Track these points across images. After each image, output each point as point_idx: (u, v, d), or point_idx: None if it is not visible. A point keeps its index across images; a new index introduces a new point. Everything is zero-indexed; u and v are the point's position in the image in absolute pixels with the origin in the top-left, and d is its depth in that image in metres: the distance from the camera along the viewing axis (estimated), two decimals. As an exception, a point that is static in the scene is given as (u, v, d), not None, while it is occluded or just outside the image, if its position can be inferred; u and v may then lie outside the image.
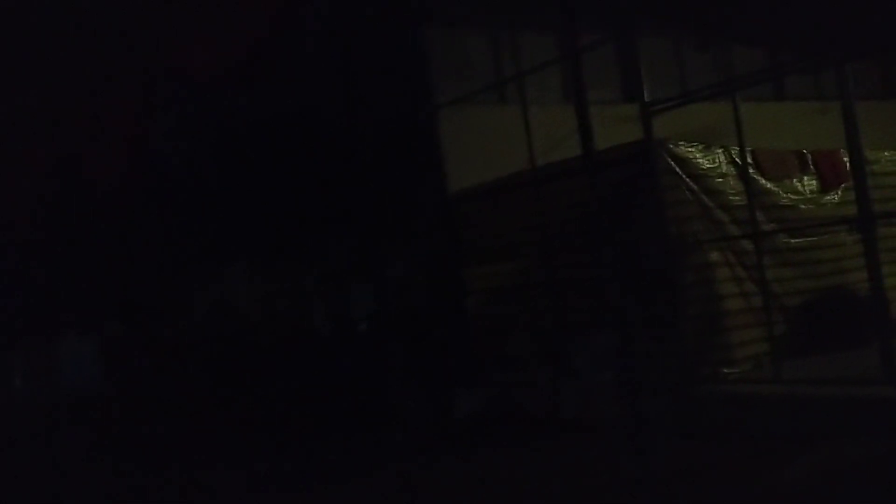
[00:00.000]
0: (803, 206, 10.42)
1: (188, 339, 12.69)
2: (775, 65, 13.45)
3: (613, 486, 7.46)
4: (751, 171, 9.89)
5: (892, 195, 10.40)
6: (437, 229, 11.95)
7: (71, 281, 12.43)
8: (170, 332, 12.72)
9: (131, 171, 11.96)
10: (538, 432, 9.62)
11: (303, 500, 8.34)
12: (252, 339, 12.72)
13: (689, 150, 9.90)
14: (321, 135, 11.92)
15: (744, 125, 9.34)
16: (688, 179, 9.76)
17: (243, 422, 11.33)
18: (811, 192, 10.57)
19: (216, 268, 12.99)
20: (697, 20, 12.24)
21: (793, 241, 10.14)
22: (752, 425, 8.37)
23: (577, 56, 10.10)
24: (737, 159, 9.98)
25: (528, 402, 10.48)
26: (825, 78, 12.41)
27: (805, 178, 10.57)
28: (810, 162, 10.64)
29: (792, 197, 10.40)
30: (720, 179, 9.98)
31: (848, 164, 9.16)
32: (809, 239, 10.22)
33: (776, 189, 10.27)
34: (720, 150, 10.08)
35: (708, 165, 9.96)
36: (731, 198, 9.93)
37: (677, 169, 9.74)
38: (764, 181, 10.18)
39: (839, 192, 10.59)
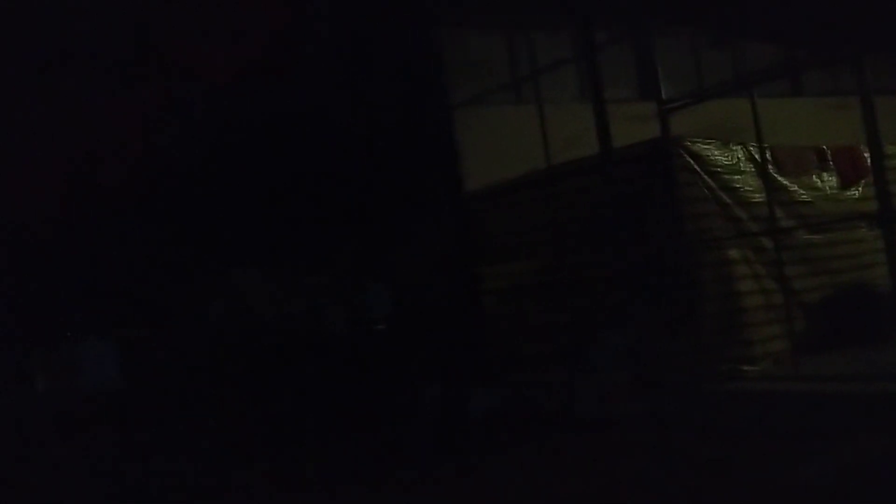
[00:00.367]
0: (822, 203, 10.34)
1: (205, 340, 12.69)
2: (792, 60, 13.36)
3: (630, 484, 7.39)
4: (769, 167, 9.83)
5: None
6: (452, 228, 11.91)
7: (89, 282, 12.44)
8: (187, 333, 12.71)
9: (148, 172, 11.96)
10: (555, 431, 9.54)
11: (321, 501, 8.30)
12: (267, 339, 12.70)
13: (707, 146, 9.84)
14: (335, 135, 11.91)
15: (761, 121, 9.29)
16: (705, 176, 9.70)
17: (259, 422, 11.32)
18: (830, 188, 10.50)
19: (231, 268, 12.98)
20: (713, 16, 12.17)
21: (812, 237, 10.06)
22: (771, 422, 8.29)
23: (593, 53, 10.06)
24: (755, 156, 9.94)
25: (544, 400, 10.41)
26: (843, 73, 12.31)
27: (824, 174, 10.50)
28: (829, 158, 10.57)
29: (811, 193, 10.33)
30: (738, 176, 9.91)
31: (867, 160, 9.09)
32: (829, 235, 10.15)
33: (795, 185, 10.20)
34: (738, 147, 10.02)
35: (725, 162, 9.90)
36: (749, 194, 9.87)
37: (694, 166, 9.67)
38: (782, 178, 10.12)
39: (859, 188, 10.52)
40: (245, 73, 11.44)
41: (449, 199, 11.85)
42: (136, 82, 11.42)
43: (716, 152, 9.87)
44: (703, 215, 9.63)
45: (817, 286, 10.01)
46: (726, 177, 9.84)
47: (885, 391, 7.97)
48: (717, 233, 9.67)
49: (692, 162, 9.65)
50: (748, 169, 9.94)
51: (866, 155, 9.31)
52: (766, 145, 9.67)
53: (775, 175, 10.00)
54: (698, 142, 9.79)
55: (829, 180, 10.53)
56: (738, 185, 9.86)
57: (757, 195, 9.83)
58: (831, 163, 10.57)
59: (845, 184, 10.55)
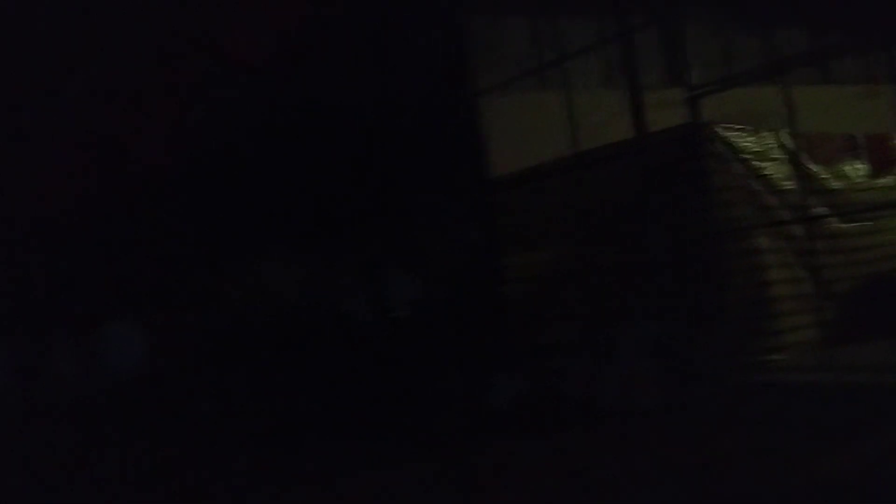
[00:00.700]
0: (853, 191, 10.19)
1: (229, 327, 12.69)
2: (824, 46, 13.20)
3: (655, 476, 7.29)
4: (800, 155, 9.71)
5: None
6: (476, 216, 11.83)
7: (112, 268, 12.46)
8: (211, 320, 12.72)
9: (173, 158, 11.95)
10: (578, 421, 9.45)
11: (344, 490, 8.25)
12: (290, 327, 12.69)
13: (737, 133, 9.72)
14: (359, 122, 11.83)
15: (793, 108, 9.15)
16: (735, 163, 9.59)
17: (281, 410, 11.30)
18: (861, 176, 10.35)
19: (254, 256, 12.96)
20: (743, 1, 12.02)
21: (843, 225, 9.92)
22: (800, 413, 8.16)
23: (620, 39, 9.95)
24: (785, 143, 9.82)
25: (568, 389, 10.32)
26: (876, 59, 12.14)
27: (855, 162, 10.35)
28: (861, 145, 10.42)
29: (842, 181, 10.19)
30: (768, 163, 9.79)
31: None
32: (860, 224, 10.00)
33: (825, 173, 10.06)
34: (768, 134, 9.89)
35: (756, 149, 9.77)
36: (779, 182, 9.74)
37: (724, 153, 9.57)
38: (813, 165, 9.98)
39: (890, 176, 10.38)
40: (268, 60, 11.39)
41: (473, 187, 11.76)
42: (163, 67, 11.38)
43: (746, 139, 9.75)
44: (732, 203, 9.54)
45: (848, 275, 9.87)
46: (756, 164, 9.72)
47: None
48: (746, 221, 9.56)
49: (722, 149, 9.55)
50: (778, 156, 9.82)
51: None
52: (796, 132, 9.54)
53: (806, 163, 9.87)
54: (728, 128, 9.67)
55: (861, 168, 10.38)
56: (768, 173, 9.74)
57: (787, 183, 9.72)
58: (863, 151, 10.42)
59: (877, 172, 10.41)
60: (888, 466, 6.78)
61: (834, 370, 8.61)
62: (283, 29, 11.21)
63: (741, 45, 12.61)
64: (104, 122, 11.73)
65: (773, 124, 9.78)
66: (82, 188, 11.81)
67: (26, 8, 10.69)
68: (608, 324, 10.35)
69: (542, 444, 8.78)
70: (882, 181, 10.38)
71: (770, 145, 9.86)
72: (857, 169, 10.36)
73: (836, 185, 10.13)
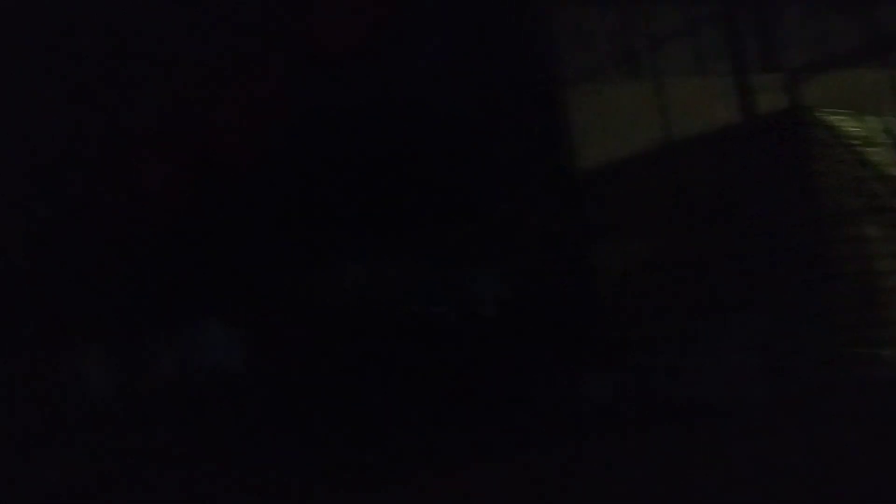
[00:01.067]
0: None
1: (319, 325, 12.78)
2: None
3: (755, 475, 7.02)
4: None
5: None
6: (565, 209, 11.65)
7: (209, 268, 12.63)
8: (302, 318, 12.82)
9: (262, 159, 12.03)
10: (675, 418, 9.20)
11: (434, 485, 8.15)
12: (379, 326, 12.72)
13: (840, 118, 9.40)
14: (445, 113, 11.75)
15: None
16: (838, 149, 9.28)
17: (371, 407, 11.33)
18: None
19: (343, 256, 13.02)
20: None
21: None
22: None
23: (733, 23, 9.74)
24: (891, 128, 9.48)
25: (664, 386, 10.13)
26: None
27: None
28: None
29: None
30: (874, 148, 9.43)
31: None
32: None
33: (935, 158, 9.68)
34: (872, 118, 9.55)
35: (860, 134, 9.43)
36: (885, 168, 9.39)
37: (827, 138, 9.27)
38: (922, 150, 9.62)
39: None
40: (352, 53, 11.38)
41: (562, 180, 11.58)
42: (245, 57, 11.44)
43: (850, 123, 9.41)
44: (836, 190, 9.21)
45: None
46: (861, 149, 9.38)
47: None
48: (851, 208, 9.23)
49: (825, 134, 9.25)
50: (885, 141, 9.47)
51: None
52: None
53: (914, 147, 9.51)
54: (830, 113, 9.37)
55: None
56: (873, 158, 9.39)
57: (894, 169, 9.36)
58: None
59: None
60: None
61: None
62: (367, 21, 11.19)
63: (841, 26, 12.25)
64: (192, 119, 11.85)
65: (877, 108, 9.48)
66: (173, 187, 11.95)
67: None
68: (704, 317, 10.10)
69: (637, 442, 8.61)
70: None
71: (876, 129, 9.53)
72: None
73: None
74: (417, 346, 12.24)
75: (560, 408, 10.31)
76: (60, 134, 11.72)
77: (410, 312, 13.00)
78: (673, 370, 10.14)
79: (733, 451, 7.73)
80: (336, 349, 12.48)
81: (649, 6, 11.84)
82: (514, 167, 11.77)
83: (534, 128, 11.73)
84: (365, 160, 12.16)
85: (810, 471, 6.81)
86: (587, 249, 11.67)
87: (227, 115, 11.71)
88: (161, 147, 11.76)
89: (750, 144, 9.48)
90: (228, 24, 11.13)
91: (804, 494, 6.43)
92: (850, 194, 9.26)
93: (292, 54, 11.68)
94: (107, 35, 10.81)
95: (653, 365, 10.49)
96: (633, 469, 7.68)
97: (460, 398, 10.88)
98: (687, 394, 9.70)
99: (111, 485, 9.23)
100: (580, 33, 11.91)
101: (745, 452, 7.60)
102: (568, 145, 11.60)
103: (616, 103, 11.36)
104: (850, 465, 6.81)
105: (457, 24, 11.91)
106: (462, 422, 10.30)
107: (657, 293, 10.94)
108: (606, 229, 11.53)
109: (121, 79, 11.21)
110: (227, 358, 12.81)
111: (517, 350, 11.32)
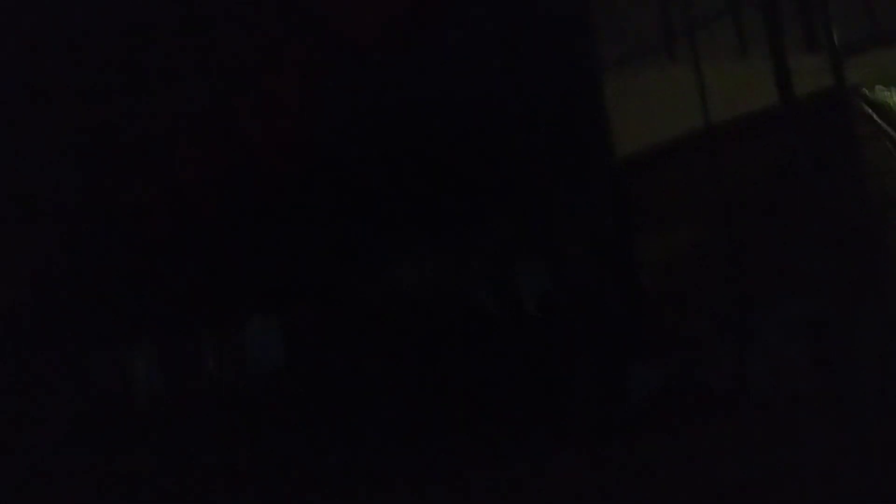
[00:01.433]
0: None
1: (365, 320, 12.77)
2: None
3: (809, 470, 6.89)
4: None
5: None
6: (605, 198, 11.45)
7: (255, 262, 12.66)
8: (348, 313, 12.81)
9: (304, 149, 12.00)
10: (724, 411, 9.05)
11: (481, 483, 8.23)
12: (424, 320, 12.67)
13: (891, 95, 9.10)
14: (480, 103, 11.60)
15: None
16: (889, 129, 8.99)
17: (418, 402, 11.30)
18: None
19: (384, 247, 12.96)
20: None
21: None
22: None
23: (774, 2, 9.50)
24: (947, 105, 9.16)
25: (711, 378, 9.80)
26: None
27: None
28: None
29: None
30: (926, 127, 9.13)
31: None
32: None
33: None
34: (924, 96, 9.23)
35: (911, 112, 9.14)
36: (941, 148, 9.08)
37: (876, 118, 8.99)
38: (979, 129, 9.28)
39: None
40: (383, 40, 11.27)
41: (601, 167, 11.37)
42: (289, 48, 11.37)
43: (898, 102, 9.12)
44: (886, 172, 8.93)
45: None
46: (913, 128, 9.09)
47: None
48: (903, 191, 8.96)
49: (873, 113, 8.97)
50: (937, 119, 9.15)
51: None
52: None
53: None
54: (880, 91, 9.08)
55: None
56: (926, 137, 9.08)
57: (948, 148, 9.05)
58: None
59: None
60: None
61: None
62: (398, 7, 11.07)
63: (887, 1, 11.93)
64: (237, 111, 11.84)
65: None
66: (210, 181, 11.97)
67: None
68: (751, 306, 9.86)
69: (685, 436, 8.51)
70: None
71: (927, 107, 9.22)
72: None
73: None
74: (459, 340, 12.18)
75: (605, 402, 10.10)
76: (102, 127, 11.79)
77: (452, 307, 12.93)
78: (720, 362, 9.88)
79: (786, 446, 7.60)
80: (380, 344, 12.46)
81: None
82: (553, 156, 11.60)
83: (574, 115, 11.55)
84: (404, 151, 12.07)
85: (858, 467, 6.64)
86: (630, 240, 11.51)
87: (270, 106, 11.67)
88: (208, 140, 11.75)
89: (795, 127, 9.23)
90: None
91: (853, 492, 6.27)
92: (901, 176, 9.01)
93: (328, 41, 11.64)
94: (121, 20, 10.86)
95: (699, 357, 10.27)
96: (680, 466, 7.57)
97: (501, 395, 10.79)
98: (734, 386, 9.45)
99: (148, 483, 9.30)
100: (618, 16, 11.74)
101: (799, 447, 7.47)
102: (608, 132, 11.44)
103: (656, 88, 11.17)
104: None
105: (491, 11, 11.75)
106: (505, 417, 10.07)
107: (702, 283, 10.78)
108: (651, 219, 11.37)
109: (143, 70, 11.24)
110: (274, 356, 12.88)
111: (561, 345, 11.18)
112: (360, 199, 12.35)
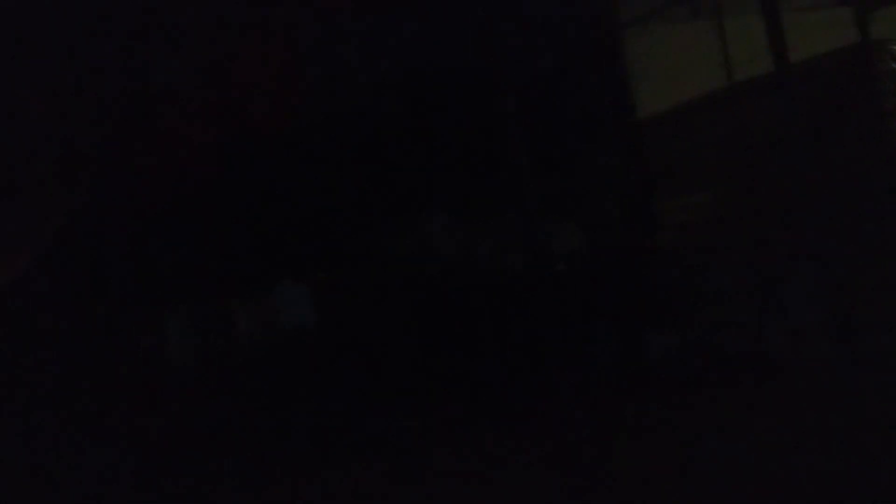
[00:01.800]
0: None
1: (392, 281, 12.78)
2: None
3: (827, 435, 6.70)
4: None
5: None
6: (624, 159, 11.28)
7: (283, 226, 12.68)
8: (377, 275, 12.82)
9: (334, 113, 11.93)
10: (741, 376, 8.86)
11: (498, 441, 8.09)
12: (452, 281, 12.65)
13: (915, 49, 8.81)
14: (498, 62, 11.42)
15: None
16: (914, 84, 8.71)
17: (444, 362, 11.29)
18: None
19: (414, 211, 12.94)
20: None
21: None
22: None
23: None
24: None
25: (729, 342, 9.71)
26: None
27: None
28: None
29: None
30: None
31: None
32: None
33: None
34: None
35: (939, 68, 8.82)
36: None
37: (901, 73, 8.69)
38: None
39: None
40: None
41: (620, 127, 11.18)
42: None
43: (927, 57, 8.81)
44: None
45: None
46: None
47: None
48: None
49: (898, 68, 8.68)
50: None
51: None
52: None
53: None
54: (905, 45, 8.78)
55: None
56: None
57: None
58: None
59: None
60: None
61: None
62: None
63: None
64: (269, 80, 11.77)
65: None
66: (241, 150, 11.95)
67: None
68: (772, 269, 9.67)
69: (702, 400, 8.30)
70: None
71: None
72: None
73: None
74: (481, 302, 12.14)
75: (623, 364, 10.04)
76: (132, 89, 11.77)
77: (473, 268, 12.89)
78: (739, 326, 9.73)
79: (803, 411, 7.41)
80: (410, 307, 12.47)
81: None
82: (572, 115, 11.43)
83: (592, 73, 11.36)
84: (432, 115, 11.96)
85: (885, 434, 6.45)
86: (649, 201, 11.33)
87: (296, 76, 11.57)
88: (234, 111, 11.68)
89: (818, 83, 8.97)
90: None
91: (870, 458, 6.10)
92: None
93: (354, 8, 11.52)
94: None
95: (718, 320, 10.11)
96: (696, 429, 7.39)
97: (520, 355, 10.72)
98: (753, 350, 9.35)
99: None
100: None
101: (816, 412, 7.28)
102: (628, 91, 11.24)
103: (677, 44, 10.96)
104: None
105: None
106: (524, 379, 10.05)
107: (722, 245, 10.59)
108: (669, 179, 11.18)
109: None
110: (306, 319, 12.94)
111: (577, 307, 11.07)
112: (390, 161, 12.27)
